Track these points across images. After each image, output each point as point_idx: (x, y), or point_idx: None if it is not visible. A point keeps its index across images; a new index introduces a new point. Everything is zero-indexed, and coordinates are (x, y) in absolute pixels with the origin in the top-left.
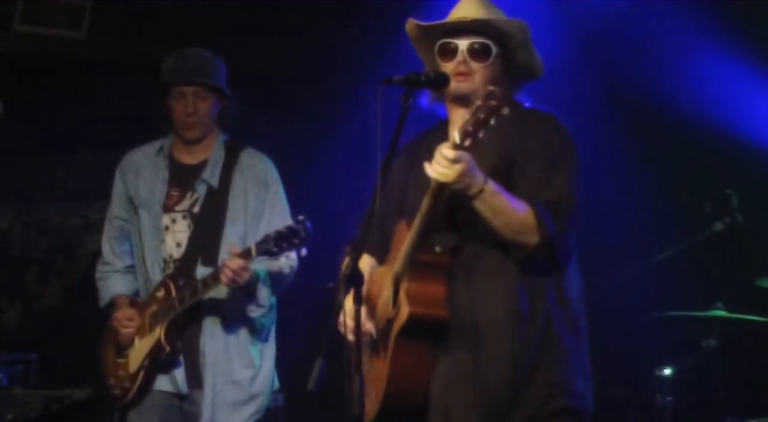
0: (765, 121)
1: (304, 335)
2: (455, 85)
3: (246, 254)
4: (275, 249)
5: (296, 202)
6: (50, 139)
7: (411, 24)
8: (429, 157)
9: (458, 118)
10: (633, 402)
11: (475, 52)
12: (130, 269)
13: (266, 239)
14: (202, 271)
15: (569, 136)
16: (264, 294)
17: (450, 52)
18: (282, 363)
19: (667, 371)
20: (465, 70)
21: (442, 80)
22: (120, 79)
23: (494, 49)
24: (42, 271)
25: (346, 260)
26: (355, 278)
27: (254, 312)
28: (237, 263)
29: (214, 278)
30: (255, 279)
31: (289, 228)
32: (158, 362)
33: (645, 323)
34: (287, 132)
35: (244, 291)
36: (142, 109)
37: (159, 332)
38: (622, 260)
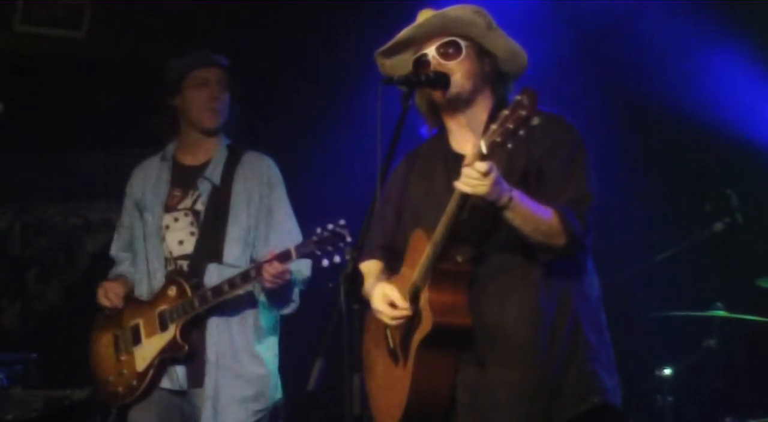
0: (765, 121)
1: (304, 335)
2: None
3: (285, 256)
4: (318, 253)
5: (296, 202)
6: (50, 139)
7: (378, 59)
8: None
9: (455, 124)
10: (633, 402)
11: (445, 53)
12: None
13: (307, 243)
14: (210, 268)
15: (580, 135)
16: (296, 290)
17: (423, 63)
18: (282, 363)
19: (667, 371)
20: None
21: (443, 79)
22: (120, 79)
23: (463, 44)
24: (42, 271)
25: (347, 260)
26: (355, 278)
27: (287, 309)
28: (277, 267)
29: (243, 279)
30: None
31: (333, 232)
32: (174, 360)
33: (645, 323)
34: (287, 132)
35: (281, 292)
36: (142, 109)
37: (174, 331)
38: (622, 260)
